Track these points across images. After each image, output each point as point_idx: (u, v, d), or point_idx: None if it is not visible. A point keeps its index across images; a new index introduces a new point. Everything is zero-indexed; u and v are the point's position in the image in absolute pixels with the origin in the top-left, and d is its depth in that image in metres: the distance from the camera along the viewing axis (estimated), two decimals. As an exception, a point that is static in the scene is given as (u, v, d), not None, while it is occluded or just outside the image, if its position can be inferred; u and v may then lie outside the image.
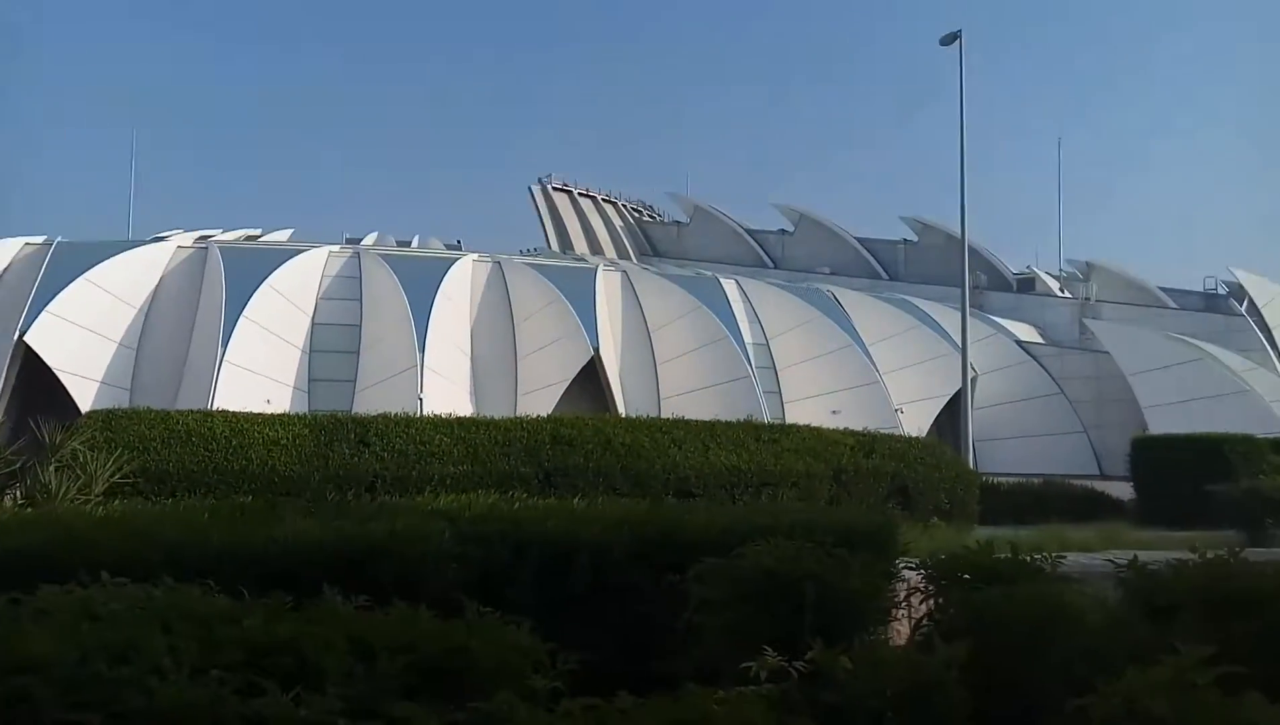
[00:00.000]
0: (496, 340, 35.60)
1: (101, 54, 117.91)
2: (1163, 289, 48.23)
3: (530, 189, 63.63)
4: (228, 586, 3.73)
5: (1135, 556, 4.84)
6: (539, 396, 31.38)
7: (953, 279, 29.18)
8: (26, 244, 33.81)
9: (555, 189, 62.69)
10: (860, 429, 18.76)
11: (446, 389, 31.37)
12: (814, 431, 17.61)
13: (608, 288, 37.82)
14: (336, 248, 39.16)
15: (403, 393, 28.99)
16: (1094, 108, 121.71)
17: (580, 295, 35.85)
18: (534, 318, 35.67)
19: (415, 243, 49.56)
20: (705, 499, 13.96)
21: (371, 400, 27.26)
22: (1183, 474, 18.59)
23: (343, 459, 14.14)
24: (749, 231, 58.27)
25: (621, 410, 31.30)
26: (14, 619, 2.97)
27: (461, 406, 28.31)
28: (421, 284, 34.78)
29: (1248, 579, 3.86)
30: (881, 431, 19.55)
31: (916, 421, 33.16)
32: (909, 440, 19.13)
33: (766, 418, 26.15)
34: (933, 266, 48.74)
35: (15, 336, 28.88)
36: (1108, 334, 39.92)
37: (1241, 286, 46.36)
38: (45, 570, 3.99)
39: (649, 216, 67.01)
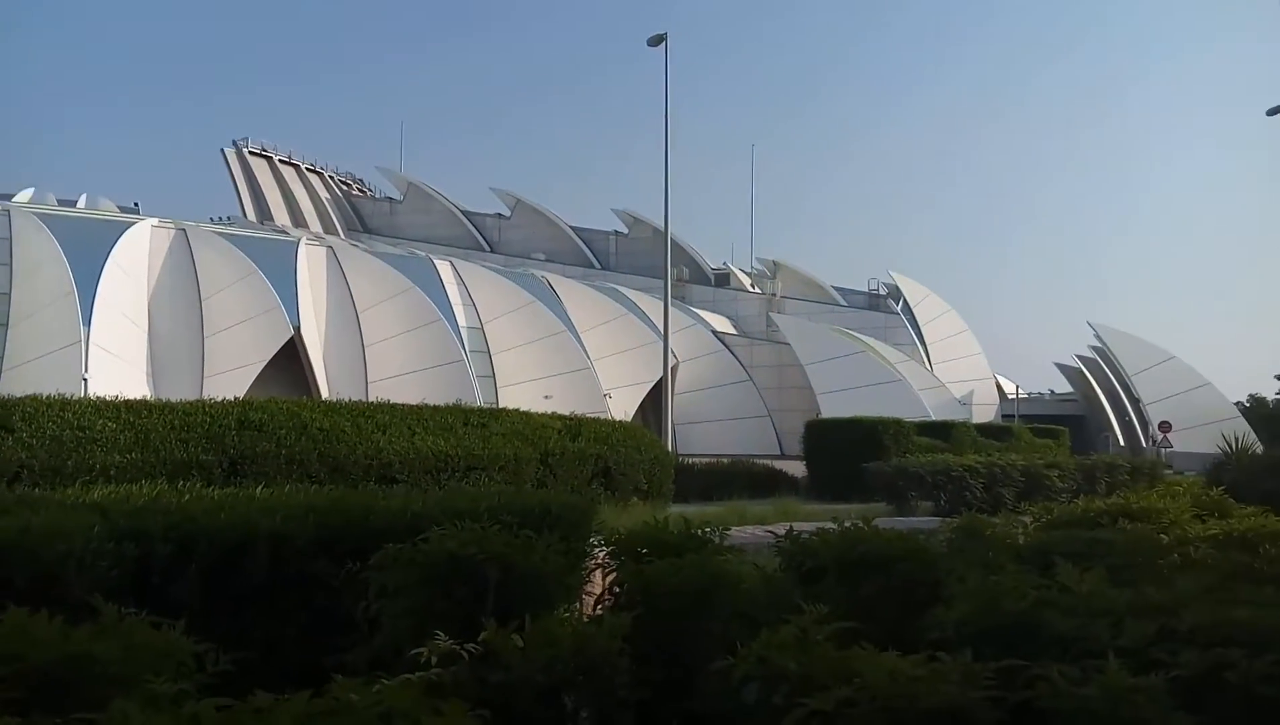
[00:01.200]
0: (180, 316, 32.38)
1: None
2: (835, 288, 53.94)
3: (223, 151, 58.38)
4: None
5: (791, 527, 5.33)
6: (230, 378, 28.95)
7: (660, 271, 30.67)
8: None
9: (253, 153, 57.97)
10: (570, 414, 19.18)
11: (118, 368, 28.11)
12: (523, 416, 17.73)
13: (311, 263, 35.69)
14: (-22, 204, 33.71)
15: (63, 372, 25.61)
16: (786, 119, 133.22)
17: (280, 270, 33.55)
18: (225, 292, 32.85)
19: (82, 202, 43.79)
20: (410, 485, 13.59)
21: (24, 380, 23.71)
22: (845, 453, 20.87)
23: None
24: (465, 213, 57.58)
25: (325, 393, 29.72)
26: None
27: (136, 388, 25.44)
28: (89, 249, 30.84)
29: (877, 543, 4.39)
30: (590, 416, 20.12)
31: (624, 406, 34.61)
32: (613, 424, 19.83)
33: (480, 402, 26.01)
34: (641, 258, 51.02)
35: None
36: (789, 327, 44.03)
37: (898, 288, 53.00)
38: None
39: (359, 191, 64.01)
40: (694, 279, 51.59)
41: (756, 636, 2.90)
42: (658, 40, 26.14)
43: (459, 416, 16.61)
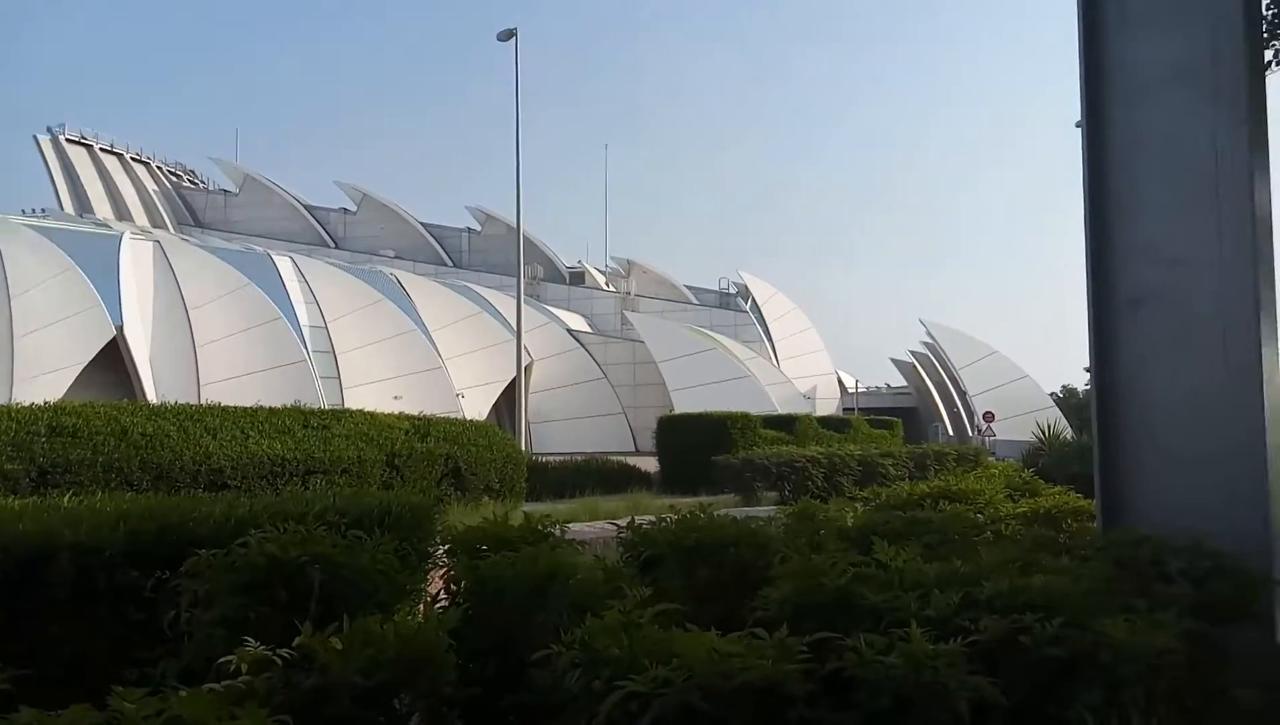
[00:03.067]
0: (-15, 314, 29.62)
1: None
2: (688, 287, 55.02)
3: (36, 139, 53.79)
4: None
5: (632, 518, 5.36)
6: (45, 382, 26.70)
7: (514, 268, 30.36)
8: None
9: (70, 141, 53.64)
10: (419, 414, 18.70)
11: (-92, 373, 25.42)
12: (368, 416, 17.15)
13: (137, 259, 33.36)
14: None
15: None
16: (640, 118, 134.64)
17: (101, 266, 31.21)
18: (39, 289, 30.26)
19: None
20: (243, 491, 12.89)
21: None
22: (696, 447, 21.27)
23: None
24: (308, 207, 55.28)
25: (152, 397, 27.83)
26: None
27: (-69, 394, 23.07)
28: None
29: (711, 530, 4.47)
30: (441, 416, 19.68)
31: (478, 406, 34.09)
32: (464, 423, 19.47)
33: (324, 404, 24.98)
34: (495, 256, 50.42)
35: None
36: (643, 325, 44.58)
37: (747, 287, 54.59)
38: None
39: (190, 182, 60.34)
40: (549, 277, 51.45)
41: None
42: (508, 35, 25.86)
43: (298, 418, 15.91)
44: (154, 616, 5.40)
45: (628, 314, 47.66)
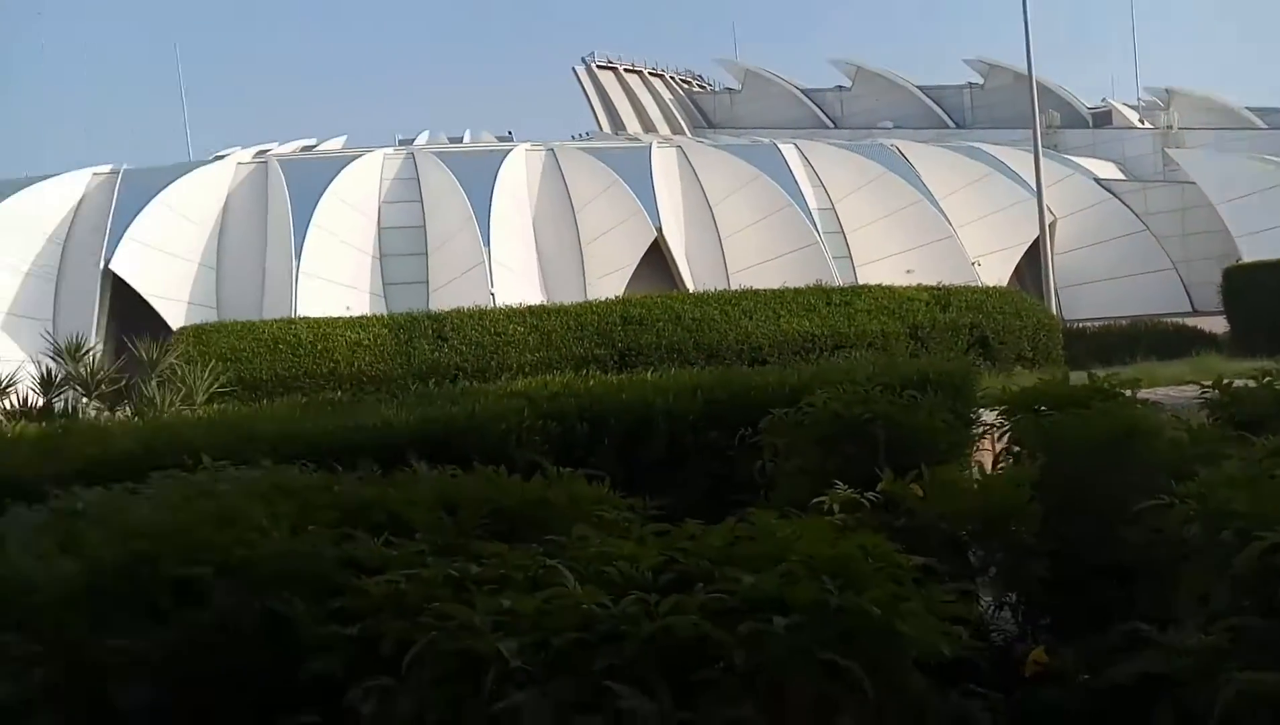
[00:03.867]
0: (559, 229, 35.57)
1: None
2: (1250, 109, 45.15)
3: (574, 70, 62.01)
4: (320, 467, 3.95)
5: (1220, 376, 4.73)
6: (608, 282, 31.44)
7: (1024, 121, 27.80)
8: (94, 174, 34.68)
9: (600, 67, 60.86)
10: (937, 284, 18.39)
11: (516, 282, 31.70)
12: (886, 290, 17.37)
13: (664, 165, 37.18)
14: (390, 150, 39.18)
15: (474, 289, 29.40)
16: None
17: (638, 176, 35.37)
18: (594, 203, 35.43)
19: (467, 137, 49.21)
20: (779, 366, 14.01)
21: (446, 300, 27.67)
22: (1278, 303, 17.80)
23: (423, 355, 14.56)
24: (805, 91, 56.10)
25: (690, 287, 31.21)
26: (131, 503, 3.18)
27: (532, 298, 28.56)
28: (478, 179, 34.72)
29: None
30: (960, 286, 19.12)
31: (995, 273, 32.30)
32: (986, 291, 18.70)
33: (839, 283, 25.79)
34: (1002, 109, 46.44)
35: (101, 264, 30.04)
36: (1193, 163, 37.77)
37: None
38: (151, 467, 4.27)
39: (699, 86, 64.83)
40: (1067, 123, 46.05)
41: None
42: None
43: (821, 296, 16.69)
44: (734, 470, 6.20)
45: (1171, 152, 40.76)
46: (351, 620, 1.92)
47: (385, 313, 28.83)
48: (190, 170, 35.64)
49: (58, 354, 12.03)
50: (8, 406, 11.46)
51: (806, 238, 33.92)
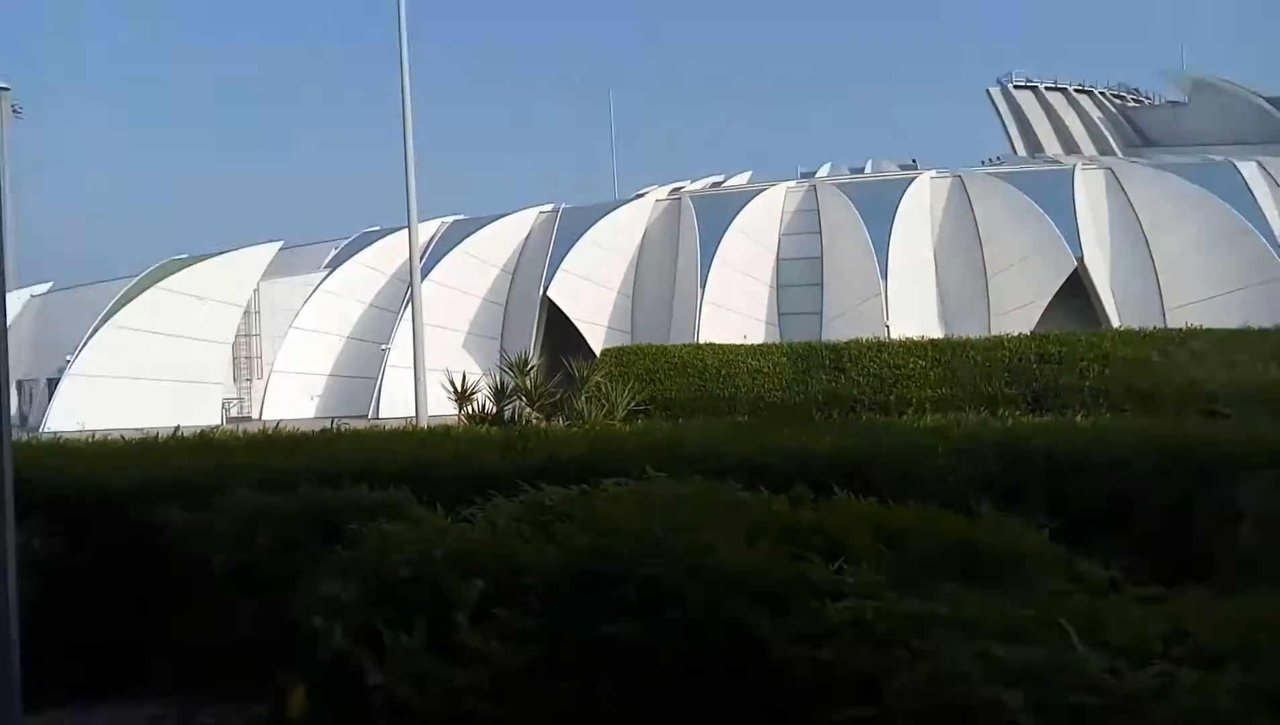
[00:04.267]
0: (963, 260, 33.95)
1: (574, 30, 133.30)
2: None
3: (988, 92, 58.95)
4: (745, 486, 4.09)
5: None
6: (1016, 316, 29.32)
7: None
8: (540, 212, 39.77)
9: (1017, 87, 57.23)
10: None
11: (913, 314, 30.77)
12: (1387, 333, 14.12)
13: (1089, 189, 33.86)
14: (793, 183, 40.18)
15: (869, 320, 29.08)
16: None
17: (1056, 201, 32.59)
18: (1003, 232, 33.30)
19: (869, 168, 48.92)
20: (1237, 421, 11.97)
21: (839, 330, 27.72)
22: None
23: (820, 384, 14.64)
24: (1271, 100, 47.92)
25: (1115, 324, 28.01)
26: (586, 504, 3.53)
27: (929, 331, 27.53)
28: (878, 209, 34.31)
29: None
30: None
31: None
32: None
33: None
34: None
35: (540, 292, 34.35)
36: None
37: None
38: (593, 472, 4.72)
39: (1134, 101, 58.22)
40: None
41: None
42: None
43: (1296, 340, 14.01)
44: (1191, 535, 5.39)
45: None
46: (808, 641, 1.94)
47: (779, 341, 29.63)
48: (616, 208, 39.50)
49: (508, 368, 13.94)
50: (470, 411, 13.51)
51: (1270, 270, 28.84)
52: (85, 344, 28.00)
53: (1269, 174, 32.96)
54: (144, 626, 4.18)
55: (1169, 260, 31.10)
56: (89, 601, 4.09)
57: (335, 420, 8.30)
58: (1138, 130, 55.14)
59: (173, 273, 31.44)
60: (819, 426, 7.77)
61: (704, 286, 32.94)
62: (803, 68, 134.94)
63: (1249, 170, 33.24)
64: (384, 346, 31.59)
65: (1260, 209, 31.33)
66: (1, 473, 2.58)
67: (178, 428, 7.05)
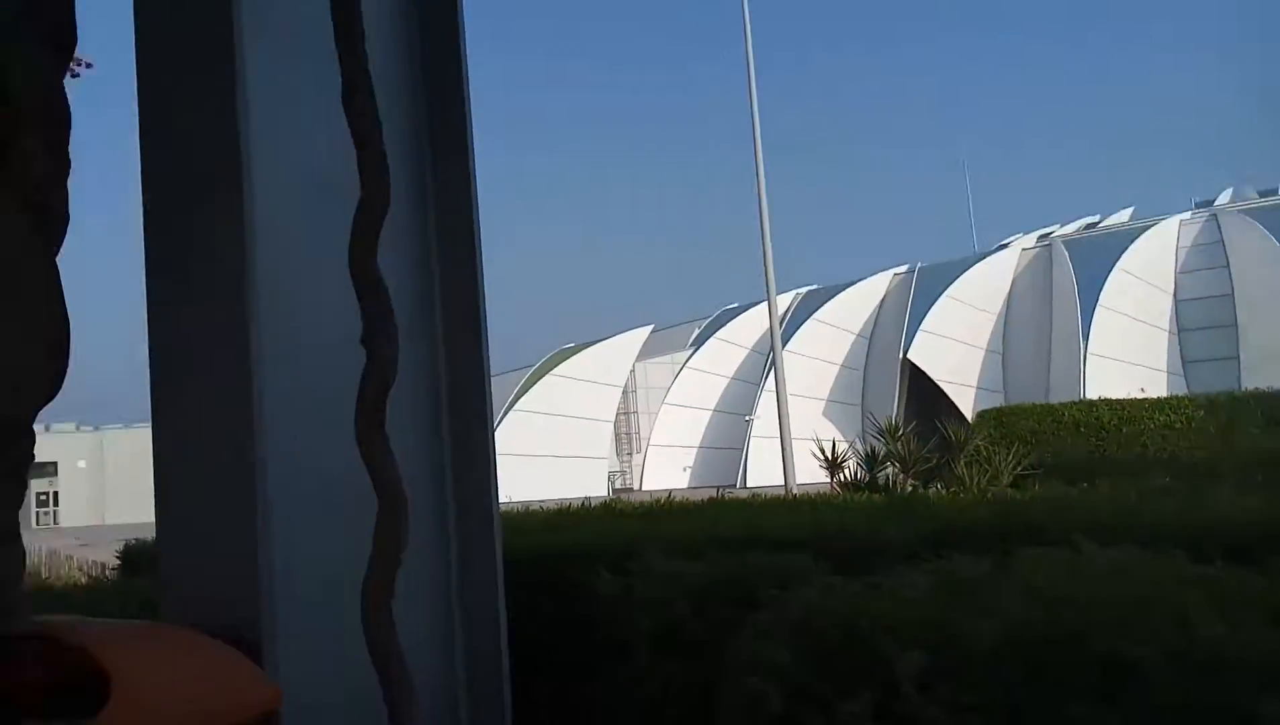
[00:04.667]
0: None
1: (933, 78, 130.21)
2: None
3: None
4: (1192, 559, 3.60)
5: None
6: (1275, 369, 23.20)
7: None
8: (894, 275, 38.98)
9: None
10: None
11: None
12: None
13: None
14: (1186, 215, 35.57)
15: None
16: None
17: None
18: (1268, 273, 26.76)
19: (1285, 189, 41.90)
20: None
21: (1264, 377, 23.75)
22: None
23: (1250, 441, 12.56)
24: None
25: None
26: (1007, 569, 3.32)
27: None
28: (1309, 235, 29.20)
29: None
30: None
31: None
32: None
33: None
34: None
35: (900, 355, 33.45)
36: None
37: None
38: (1000, 540, 4.42)
39: None
40: None
41: None
42: None
43: None
44: None
45: None
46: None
47: (1184, 391, 25.97)
48: (975, 262, 37.62)
49: (880, 433, 13.62)
50: (842, 478, 13.37)
51: None
52: (497, 426, 32.13)
53: None
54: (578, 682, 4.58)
55: None
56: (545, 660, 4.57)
57: (720, 489, 8.65)
58: None
59: (563, 360, 35.14)
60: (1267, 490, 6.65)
61: (1086, 338, 30.04)
62: (1188, 82, 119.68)
63: None
64: (748, 417, 32.54)
65: None
66: (493, 550, 3.00)
67: (586, 499, 7.78)
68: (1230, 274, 31.70)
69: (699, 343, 38.68)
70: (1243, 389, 20.99)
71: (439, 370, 3.06)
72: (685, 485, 32.82)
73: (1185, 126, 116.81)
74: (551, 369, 34.57)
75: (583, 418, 32.99)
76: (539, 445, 31.07)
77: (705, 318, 41.65)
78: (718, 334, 38.42)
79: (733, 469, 32.09)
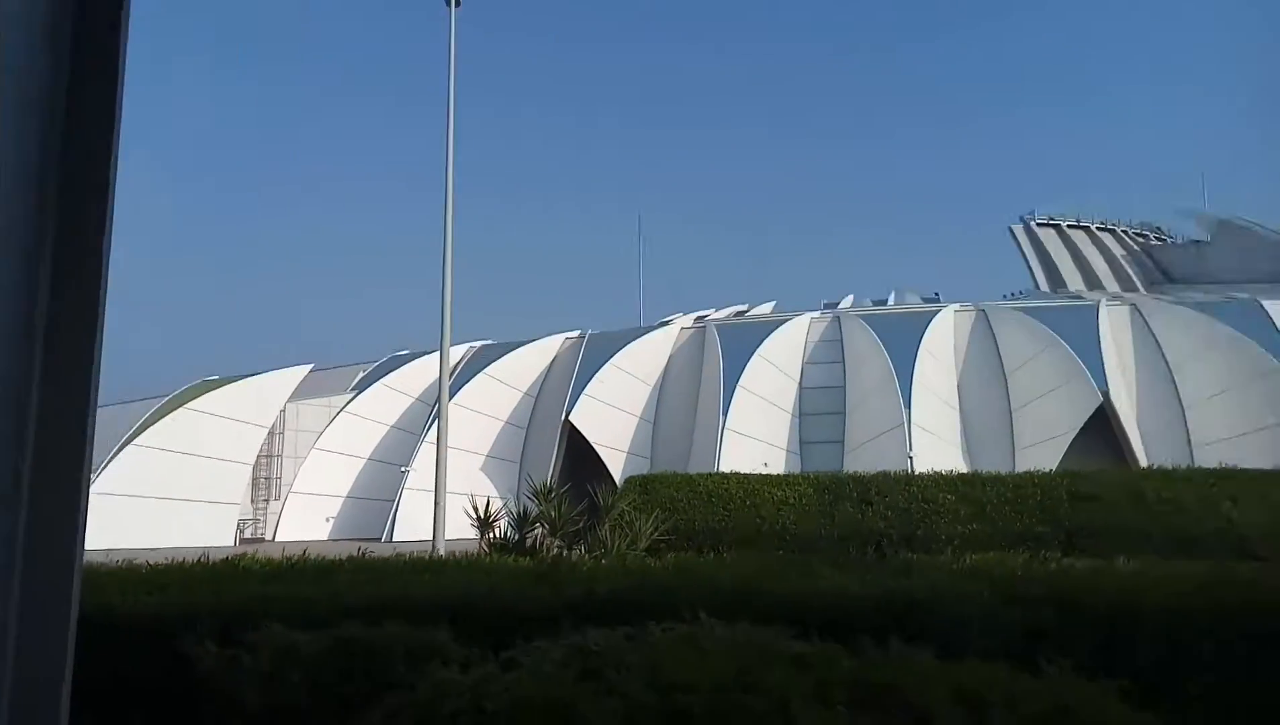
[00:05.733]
0: (987, 393, 33.85)
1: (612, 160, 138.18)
2: None
3: (1011, 229, 60.17)
4: (795, 632, 3.95)
5: None
6: (1040, 450, 28.98)
7: None
8: (566, 338, 40.31)
9: (1040, 225, 58.53)
10: None
11: (936, 446, 30.51)
12: None
13: (1114, 325, 34.05)
14: (816, 313, 40.65)
15: (891, 451, 28.82)
16: None
17: (1081, 336, 32.71)
18: (1027, 366, 33.32)
19: (891, 300, 49.55)
20: (1275, 564, 11.60)
21: (861, 460, 27.49)
22: None
23: (847, 517, 14.35)
24: (1292, 241, 48.58)
25: (1142, 461, 27.62)
26: (634, 649, 3.39)
27: (952, 464, 27.22)
28: (902, 340, 34.53)
29: None
30: None
31: None
32: None
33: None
34: None
35: (562, 417, 34.41)
36: None
37: None
38: (633, 610, 4.58)
39: (1157, 239, 59.27)
40: None
41: None
42: None
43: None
44: (1251, 689, 5.12)
45: None
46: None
47: (801, 469, 29.32)
48: (640, 334, 40.00)
49: (533, 495, 13.79)
50: (491, 537, 13.31)
51: (1300, 409, 28.53)
52: (106, 465, 28.15)
53: (1293, 313, 33.05)
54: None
55: (1195, 397, 30.89)
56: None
57: (362, 548, 8.19)
58: (1161, 268, 55.80)
59: (201, 393, 31.84)
60: (857, 564, 7.58)
61: (726, 413, 32.89)
62: (829, 201, 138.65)
63: (1275, 308, 33.37)
64: (404, 468, 31.52)
65: (1288, 347, 31.28)
66: (65, 617, 2.51)
67: (206, 554, 6.97)
68: (844, 368, 36.49)
69: (362, 387, 37.07)
70: (844, 471, 24.06)
71: (31, 381, 2.55)
72: (326, 537, 30.88)
73: (821, 244, 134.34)
74: (187, 402, 31.17)
75: (216, 458, 29.97)
76: (161, 487, 27.72)
77: (373, 362, 40.10)
78: (384, 379, 37.09)
79: (381, 521, 30.80)
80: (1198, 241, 54.60)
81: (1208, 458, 23.86)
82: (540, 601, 5.19)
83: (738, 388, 33.79)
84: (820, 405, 35.88)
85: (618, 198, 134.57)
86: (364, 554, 7.66)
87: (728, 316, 46.06)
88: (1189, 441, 29.87)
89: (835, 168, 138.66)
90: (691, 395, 36.49)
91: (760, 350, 35.72)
